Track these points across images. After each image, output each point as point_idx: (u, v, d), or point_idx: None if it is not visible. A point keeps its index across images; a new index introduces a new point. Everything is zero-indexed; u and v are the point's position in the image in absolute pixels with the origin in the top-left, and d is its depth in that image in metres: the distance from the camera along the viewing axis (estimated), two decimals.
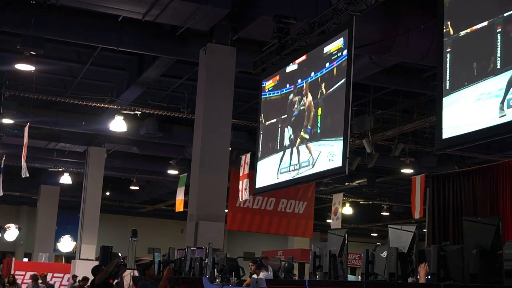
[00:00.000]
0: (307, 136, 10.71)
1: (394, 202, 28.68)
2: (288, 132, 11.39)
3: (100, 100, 17.07)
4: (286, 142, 11.43)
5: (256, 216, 18.37)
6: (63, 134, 20.68)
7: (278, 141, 11.75)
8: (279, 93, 11.84)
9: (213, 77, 12.91)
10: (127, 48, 13.83)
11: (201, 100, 13.14)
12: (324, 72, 10.36)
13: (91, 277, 11.63)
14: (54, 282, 22.86)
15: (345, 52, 9.74)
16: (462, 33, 7.40)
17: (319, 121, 10.42)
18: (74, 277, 19.90)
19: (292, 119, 11.32)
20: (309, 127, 10.69)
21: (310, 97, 10.78)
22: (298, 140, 11.01)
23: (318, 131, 10.39)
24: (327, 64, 10.27)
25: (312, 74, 10.76)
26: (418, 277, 6.38)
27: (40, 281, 20.19)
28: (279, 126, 11.78)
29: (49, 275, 22.35)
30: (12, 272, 21.93)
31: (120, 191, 30.32)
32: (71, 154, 23.32)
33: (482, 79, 7.05)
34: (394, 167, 21.23)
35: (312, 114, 10.66)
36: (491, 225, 5.49)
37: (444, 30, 7.54)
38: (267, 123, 12.31)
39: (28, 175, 17.31)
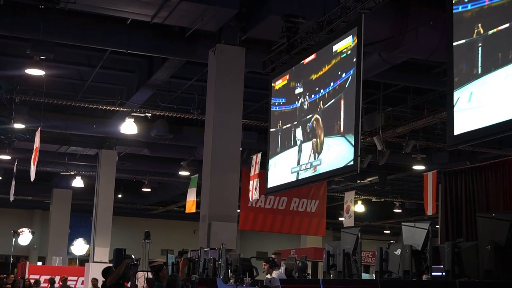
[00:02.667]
0: (317, 136, 10.71)
1: (406, 199, 28.59)
2: (299, 133, 11.39)
3: (110, 103, 17.12)
4: (297, 142, 11.43)
5: (268, 215, 18.35)
6: (74, 137, 20.76)
7: (289, 142, 11.75)
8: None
9: (223, 78, 12.92)
10: (136, 51, 13.87)
11: (211, 101, 13.15)
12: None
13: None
14: (69, 285, 22.91)
15: (354, 49, 9.73)
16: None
17: (329, 120, 10.41)
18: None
19: (302, 120, 11.31)
20: (319, 127, 10.68)
21: (319, 98, 10.78)
22: (308, 140, 11.00)
23: (329, 130, 10.38)
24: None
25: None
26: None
27: (56, 284, 20.23)
28: (290, 128, 11.77)
29: None
30: (26, 276, 22.00)
31: (132, 193, 30.38)
32: (83, 158, 23.39)
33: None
34: (405, 164, 21.16)
35: (322, 113, 10.65)
36: (506, 221, 5.47)
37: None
38: (277, 128, 12.31)
39: (32, 180, 17.37)
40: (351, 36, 9.87)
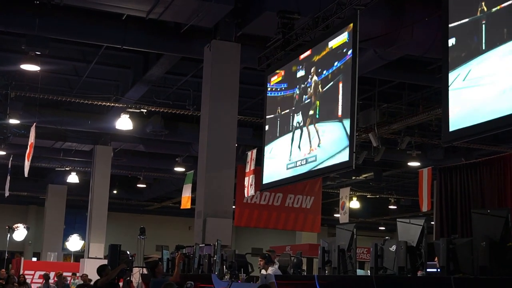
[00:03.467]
0: (313, 131, 10.71)
1: (401, 195, 28.62)
2: (294, 125, 11.39)
3: (105, 98, 17.09)
4: (291, 136, 11.42)
5: (263, 211, 18.36)
6: (70, 133, 20.72)
7: (284, 136, 11.75)
8: (285, 94, 11.82)
9: (218, 74, 12.91)
10: (131, 47, 13.84)
11: (206, 97, 13.14)
12: (331, 71, 10.35)
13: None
14: (64, 281, 22.88)
15: (349, 47, 9.73)
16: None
17: (324, 115, 10.41)
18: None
19: (297, 113, 11.31)
20: (315, 121, 10.68)
21: (315, 92, 10.77)
22: (305, 135, 11.00)
23: (324, 126, 10.38)
24: (333, 62, 10.25)
25: (319, 70, 10.74)
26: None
27: (51, 280, 20.21)
28: (285, 120, 11.77)
29: None
30: (21, 272, 21.97)
31: (127, 189, 30.36)
32: (78, 153, 23.36)
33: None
34: (400, 160, 21.19)
35: (317, 108, 10.65)
36: (500, 217, 5.47)
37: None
38: (271, 116, 12.31)
39: (26, 175, 17.33)
40: (346, 32, 9.87)
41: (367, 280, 7.13)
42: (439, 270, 6.25)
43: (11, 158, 21.37)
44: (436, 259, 7.13)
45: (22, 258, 25.15)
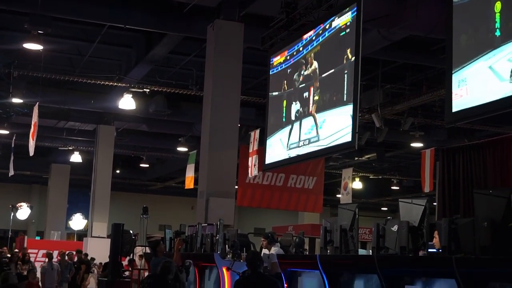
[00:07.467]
0: (316, 111, 10.69)
1: (403, 176, 28.64)
2: (296, 106, 11.39)
3: (108, 78, 17.06)
4: (294, 116, 11.42)
5: (266, 192, 18.38)
6: (73, 112, 20.72)
7: (287, 116, 11.75)
8: (288, 74, 11.79)
9: (221, 54, 12.89)
10: (134, 26, 13.80)
11: (209, 76, 13.13)
12: (334, 51, 10.31)
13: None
14: (67, 260, 22.97)
15: (353, 27, 9.69)
16: None
17: (327, 95, 10.40)
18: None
19: (300, 92, 11.29)
20: (318, 101, 10.67)
21: (318, 72, 10.75)
22: (308, 115, 10.99)
23: (328, 106, 10.37)
24: (337, 42, 10.22)
25: (322, 50, 10.71)
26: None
27: (54, 259, 20.30)
28: (287, 100, 11.76)
29: None
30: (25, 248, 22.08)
31: (130, 169, 30.43)
32: (81, 133, 23.39)
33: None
34: (403, 141, 21.18)
35: (320, 88, 10.64)
36: (502, 197, 5.48)
37: None
38: (274, 95, 12.29)
39: (31, 155, 17.35)
40: (350, 12, 9.83)
41: (369, 259, 7.16)
42: (440, 250, 6.27)
43: (14, 137, 21.39)
44: (434, 240, 7.15)
45: (26, 237, 25.28)
